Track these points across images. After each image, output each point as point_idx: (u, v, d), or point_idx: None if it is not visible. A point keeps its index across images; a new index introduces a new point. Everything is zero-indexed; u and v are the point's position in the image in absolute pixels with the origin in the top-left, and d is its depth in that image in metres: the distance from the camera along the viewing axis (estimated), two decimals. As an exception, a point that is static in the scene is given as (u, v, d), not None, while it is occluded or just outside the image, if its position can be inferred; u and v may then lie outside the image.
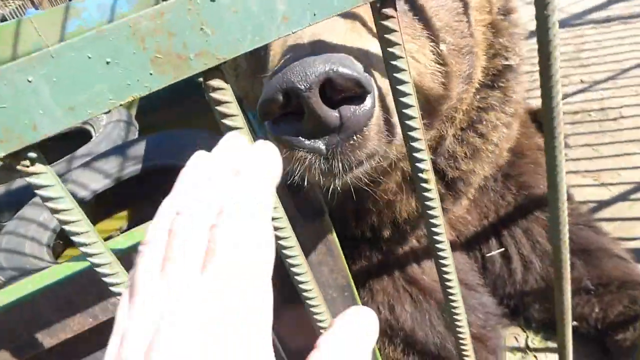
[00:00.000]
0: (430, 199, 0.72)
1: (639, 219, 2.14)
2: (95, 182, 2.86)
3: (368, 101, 0.73)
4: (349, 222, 1.44)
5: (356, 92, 0.71)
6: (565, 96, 3.38)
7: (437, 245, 0.78)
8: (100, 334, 0.95)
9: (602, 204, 2.34)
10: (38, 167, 0.54)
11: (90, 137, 3.45)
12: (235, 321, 0.38)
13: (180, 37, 0.51)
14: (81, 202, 2.92)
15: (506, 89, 1.38)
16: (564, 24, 4.25)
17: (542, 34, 0.69)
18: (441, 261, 0.80)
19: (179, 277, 0.40)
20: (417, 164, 0.68)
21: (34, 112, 0.50)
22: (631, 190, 2.40)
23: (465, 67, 1.20)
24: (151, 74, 0.52)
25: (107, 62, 0.50)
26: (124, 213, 3.15)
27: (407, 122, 0.65)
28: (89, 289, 0.88)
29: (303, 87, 0.66)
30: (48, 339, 0.88)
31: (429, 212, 0.75)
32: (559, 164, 0.79)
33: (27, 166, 0.53)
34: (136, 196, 3.01)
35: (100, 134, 3.44)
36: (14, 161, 0.53)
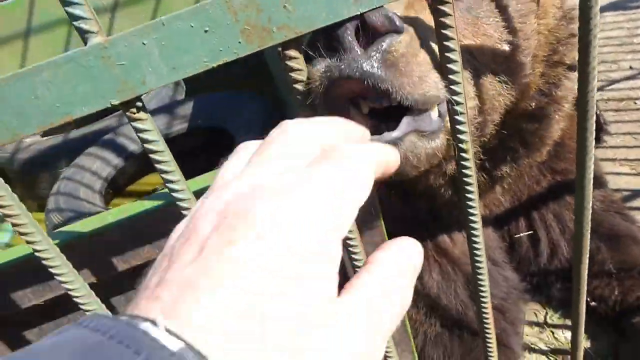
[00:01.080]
0: (467, 169, 0.81)
1: (671, 211, 2.16)
2: (145, 137, 3.01)
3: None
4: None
5: (389, 30, 0.76)
6: (612, 82, 3.34)
7: (470, 218, 0.87)
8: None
9: (637, 193, 2.36)
10: (142, 115, 0.66)
11: (141, 94, 3.61)
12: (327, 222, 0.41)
13: (267, 13, 0.61)
14: (131, 155, 3.10)
15: (562, 98, 1.37)
16: (617, 6, 4.13)
17: (584, 22, 0.75)
18: (473, 237, 0.89)
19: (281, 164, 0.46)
20: (458, 135, 0.76)
21: (145, 69, 0.61)
22: (668, 181, 2.40)
23: (526, 70, 1.21)
24: (240, 42, 0.62)
25: (206, 31, 0.61)
26: (170, 168, 3.30)
27: (451, 86, 0.73)
28: (159, 223, 1.01)
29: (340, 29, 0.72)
30: (122, 264, 1.02)
31: (466, 187, 0.83)
32: (589, 145, 0.86)
33: (134, 113, 0.65)
34: (182, 154, 3.15)
35: (150, 93, 3.59)
36: (124, 108, 0.64)
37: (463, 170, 0.80)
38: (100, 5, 3.74)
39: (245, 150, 0.54)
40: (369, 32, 0.74)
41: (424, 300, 1.60)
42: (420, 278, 1.60)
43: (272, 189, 0.42)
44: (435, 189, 1.40)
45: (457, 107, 0.73)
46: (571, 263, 1.73)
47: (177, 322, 0.36)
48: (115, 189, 3.17)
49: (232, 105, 2.97)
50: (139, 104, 0.65)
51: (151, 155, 0.69)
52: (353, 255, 0.83)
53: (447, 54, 0.68)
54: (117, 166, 3.03)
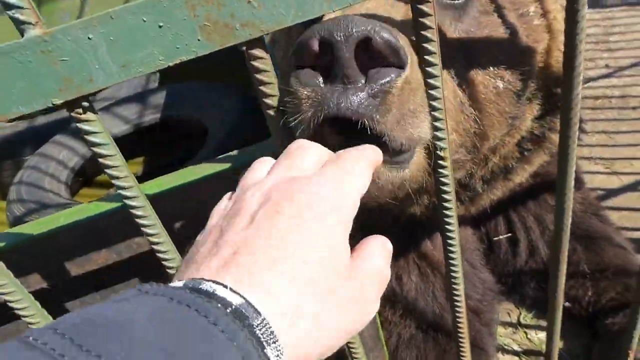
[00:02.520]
0: (444, 176, 0.77)
1: (645, 211, 2.17)
2: (115, 127, 2.92)
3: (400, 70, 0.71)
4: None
5: (390, 62, 0.69)
6: (588, 80, 3.35)
7: (446, 219, 0.83)
8: (125, 270, 1.03)
9: (612, 192, 2.37)
10: (89, 115, 0.59)
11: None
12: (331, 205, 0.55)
13: (229, 8, 0.55)
14: (100, 144, 2.99)
15: (555, 141, 1.31)
16: (594, 4, 4.15)
17: (571, 26, 0.71)
18: (448, 240, 0.86)
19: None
20: (437, 142, 0.72)
21: (92, 66, 0.55)
22: (642, 181, 2.42)
23: (516, 111, 1.16)
24: (199, 40, 0.56)
25: (160, 26, 0.54)
26: (141, 159, 3.22)
27: (434, 105, 0.69)
28: (116, 228, 0.95)
29: (340, 38, 0.63)
30: (75, 268, 0.95)
31: (443, 195, 0.79)
32: (571, 152, 0.83)
33: (80, 113, 0.58)
34: (153, 144, 3.07)
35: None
36: (69, 108, 0.58)
37: (440, 179, 0.76)
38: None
39: (263, 163, 0.65)
40: (369, 52, 0.67)
41: (401, 302, 1.57)
42: (399, 279, 1.57)
43: (302, 179, 0.56)
44: (413, 215, 1.36)
45: (435, 113, 0.68)
46: (547, 264, 1.73)
47: (236, 275, 0.48)
48: (83, 179, 3.06)
49: (207, 95, 2.88)
50: (85, 104, 0.58)
51: (101, 160, 0.63)
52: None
53: (430, 82, 0.64)
54: (85, 156, 2.92)
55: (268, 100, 0.64)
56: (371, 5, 0.84)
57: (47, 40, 0.53)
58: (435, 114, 0.67)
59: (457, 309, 1.01)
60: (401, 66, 0.70)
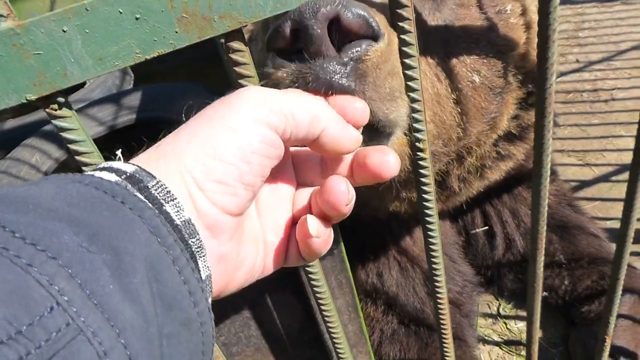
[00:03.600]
0: (423, 168, 0.78)
1: (618, 200, 2.22)
2: (89, 128, 2.86)
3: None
4: None
5: (363, 34, 0.67)
6: (560, 75, 3.42)
7: (426, 218, 0.84)
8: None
9: (585, 184, 2.43)
10: (65, 112, 0.58)
11: (84, 82, 3.43)
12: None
13: (207, 0, 0.54)
14: (74, 146, 2.93)
15: (531, 138, 1.31)
16: (564, 0, 4.24)
17: (543, 19, 0.72)
18: (429, 232, 0.86)
19: None
20: (415, 134, 0.72)
21: (66, 60, 0.54)
22: (614, 172, 2.48)
23: (492, 107, 1.17)
24: (177, 32, 0.55)
25: (137, 18, 0.54)
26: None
27: (410, 86, 0.69)
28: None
29: (309, 15, 0.60)
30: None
31: (423, 187, 0.80)
32: (546, 142, 0.84)
33: (55, 110, 0.57)
34: (128, 146, 3.02)
35: (95, 81, 3.41)
36: (43, 104, 0.56)
37: (419, 171, 0.76)
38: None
39: None
40: (342, 31, 0.65)
41: (382, 298, 1.58)
42: (379, 276, 1.58)
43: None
44: (394, 211, 1.37)
45: (415, 115, 0.69)
46: (525, 256, 1.76)
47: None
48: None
49: (184, 96, 2.85)
50: (61, 99, 0.57)
51: (77, 157, 0.61)
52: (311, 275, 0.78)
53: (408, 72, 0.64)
54: (59, 159, 2.85)
55: (247, 93, 0.63)
56: None
57: (19, 32, 0.51)
58: (416, 105, 0.67)
59: (439, 302, 1.02)
60: (374, 38, 0.68)
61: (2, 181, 2.62)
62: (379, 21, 0.68)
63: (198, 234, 0.48)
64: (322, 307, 0.95)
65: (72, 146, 0.60)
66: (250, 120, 0.50)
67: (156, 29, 0.54)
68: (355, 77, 0.67)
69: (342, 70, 0.65)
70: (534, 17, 1.25)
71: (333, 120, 0.55)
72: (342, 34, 0.65)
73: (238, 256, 0.56)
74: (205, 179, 0.49)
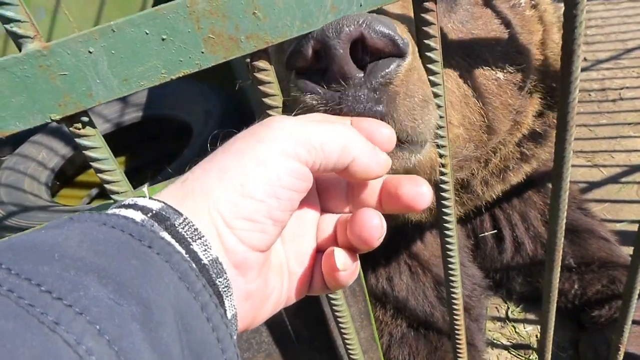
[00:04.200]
0: (444, 180, 0.77)
1: (627, 202, 2.21)
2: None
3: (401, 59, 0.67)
4: None
5: (389, 52, 0.65)
6: (568, 74, 3.40)
7: (445, 225, 0.83)
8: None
9: (593, 185, 2.41)
10: (88, 130, 0.58)
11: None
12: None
13: (234, 20, 0.54)
14: (80, 144, 2.93)
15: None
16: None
17: (568, 33, 0.72)
18: (446, 239, 0.86)
19: None
20: (438, 143, 0.72)
21: (92, 80, 0.53)
22: (622, 173, 2.47)
23: (517, 103, 1.15)
24: (203, 52, 0.55)
25: (163, 39, 0.53)
26: (122, 158, 3.17)
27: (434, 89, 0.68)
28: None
29: (332, 34, 0.58)
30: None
31: (443, 193, 0.79)
32: (567, 155, 0.84)
33: (79, 129, 0.57)
34: (135, 143, 3.02)
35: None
36: (68, 124, 0.56)
37: (441, 186, 0.76)
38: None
39: None
40: (367, 50, 0.63)
41: (392, 302, 1.58)
42: (389, 280, 1.57)
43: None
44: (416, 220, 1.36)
45: (438, 111, 0.68)
46: (533, 259, 1.76)
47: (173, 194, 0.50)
48: (62, 180, 3.00)
49: (191, 95, 2.84)
50: (85, 118, 0.56)
51: (100, 175, 0.61)
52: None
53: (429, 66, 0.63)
54: (66, 156, 2.86)
55: (271, 112, 0.63)
56: None
57: (45, 54, 0.51)
58: (439, 112, 0.66)
59: (454, 308, 1.02)
60: (401, 55, 0.66)
61: (10, 177, 2.63)
62: (402, 32, 0.66)
63: (225, 273, 0.47)
64: (337, 315, 0.95)
65: (94, 164, 0.60)
66: (279, 154, 0.49)
67: (182, 50, 0.54)
68: (385, 101, 0.66)
69: (373, 97, 0.64)
70: (547, 7, 1.24)
71: (363, 147, 0.54)
72: (367, 53, 0.64)
73: (265, 290, 0.55)
74: (234, 217, 0.48)
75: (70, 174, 2.99)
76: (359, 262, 0.59)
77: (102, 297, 0.37)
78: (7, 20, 0.49)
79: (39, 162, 2.78)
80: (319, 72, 0.67)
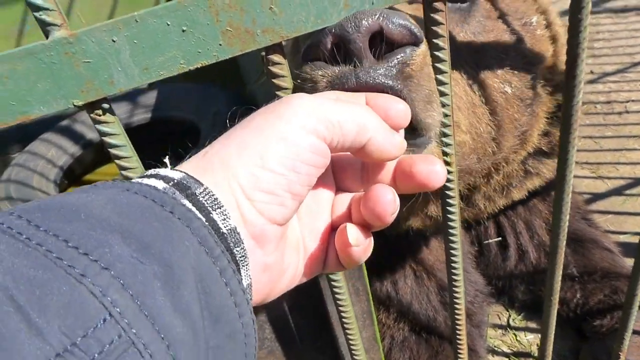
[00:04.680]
0: (449, 187, 0.79)
1: (631, 214, 2.22)
2: (105, 125, 2.88)
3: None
4: None
5: (405, 42, 0.67)
6: (574, 87, 3.41)
7: (450, 231, 0.85)
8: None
9: (598, 197, 2.42)
10: (108, 117, 0.60)
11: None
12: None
13: (251, 14, 0.56)
14: (89, 143, 2.96)
15: None
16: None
17: (573, 36, 0.73)
18: (450, 244, 0.88)
19: None
20: (444, 148, 0.73)
21: (114, 69, 0.55)
22: (627, 185, 2.47)
23: (524, 120, 1.17)
24: (220, 44, 0.57)
25: (183, 30, 0.55)
26: (130, 158, 3.19)
27: (442, 91, 0.70)
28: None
29: (352, 29, 0.61)
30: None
31: (447, 200, 0.81)
32: (570, 158, 0.85)
33: (99, 115, 0.59)
34: (143, 144, 3.03)
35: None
36: (89, 109, 0.58)
37: (445, 192, 0.78)
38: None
39: None
40: (384, 41, 0.66)
41: (395, 305, 1.59)
42: (394, 283, 1.59)
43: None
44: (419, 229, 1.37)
45: (444, 130, 0.70)
46: (537, 267, 1.77)
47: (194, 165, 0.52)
48: (70, 178, 3.03)
49: (199, 97, 2.87)
50: (106, 105, 0.59)
51: (117, 161, 0.63)
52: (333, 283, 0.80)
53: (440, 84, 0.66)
54: (75, 154, 2.89)
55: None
56: None
57: (71, 42, 0.53)
58: (445, 120, 0.68)
59: (456, 313, 1.03)
60: (416, 43, 0.68)
61: (20, 174, 2.66)
62: (417, 25, 0.68)
63: (243, 243, 0.49)
64: (342, 314, 0.97)
65: (112, 150, 0.62)
66: (299, 129, 0.51)
67: (201, 41, 0.56)
68: (401, 79, 0.67)
69: (388, 72, 0.65)
70: (560, 29, 1.26)
71: (379, 128, 0.56)
72: (384, 44, 0.66)
73: (282, 264, 0.57)
74: (254, 189, 0.50)
75: (79, 172, 3.03)
76: (372, 238, 0.60)
77: (125, 255, 0.38)
78: (37, 8, 0.51)
79: (48, 160, 2.81)
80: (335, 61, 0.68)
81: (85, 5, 3.72)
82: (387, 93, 0.64)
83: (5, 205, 2.46)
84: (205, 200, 0.48)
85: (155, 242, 0.41)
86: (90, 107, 0.58)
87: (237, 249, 0.48)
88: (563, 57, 1.24)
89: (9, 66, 0.54)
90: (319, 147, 0.52)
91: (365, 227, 0.59)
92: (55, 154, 2.86)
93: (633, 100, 3.18)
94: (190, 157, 0.53)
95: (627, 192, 2.43)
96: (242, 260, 0.49)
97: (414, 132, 0.75)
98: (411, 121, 0.67)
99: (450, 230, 0.87)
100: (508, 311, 1.94)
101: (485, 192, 1.31)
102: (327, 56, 0.66)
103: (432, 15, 0.63)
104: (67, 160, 2.89)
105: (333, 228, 0.62)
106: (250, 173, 0.50)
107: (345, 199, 0.62)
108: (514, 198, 1.39)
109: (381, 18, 0.62)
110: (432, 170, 0.58)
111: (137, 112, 3.02)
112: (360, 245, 0.57)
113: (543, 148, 1.31)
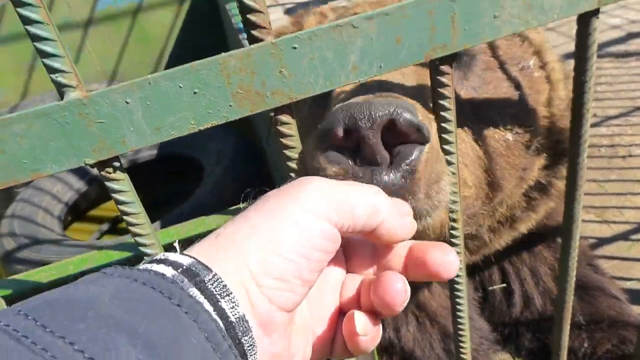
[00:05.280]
0: (455, 229, 0.79)
1: (638, 260, 2.19)
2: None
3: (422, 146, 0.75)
4: None
5: (414, 139, 0.72)
6: (577, 129, 3.44)
7: (455, 279, 0.84)
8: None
9: (603, 241, 2.40)
10: (119, 175, 0.61)
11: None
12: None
13: (261, 77, 0.57)
14: (94, 179, 2.99)
15: (561, 189, 1.33)
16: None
17: (578, 90, 0.75)
18: (456, 292, 0.87)
19: None
20: (450, 198, 0.74)
21: (126, 129, 0.57)
22: (632, 230, 2.46)
23: (525, 161, 1.20)
24: (231, 105, 0.58)
25: (195, 92, 0.57)
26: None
27: (447, 157, 0.72)
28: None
29: (365, 124, 0.67)
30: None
31: (453, 241, 0.81)
32: (576, 213, 0.85)
33: (110, 173, 0.60)
34: (149, 180, 3.07)
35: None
36: (100, 167, 0.59)
37: (452, 240, 0.78)
38: (72, 22, 3.66)
39: None
40: (394, 134, 0.71)
41: (398, 353, 1.57)
42: (396, 330, 1.56)
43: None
44: None
45: (452, 177, 0.71)
46: (542, 315, 1.74)
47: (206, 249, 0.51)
48: (75, 213, 3.04)
49: (203, 134, 2.91)
50: (116, 163, 0.60)
51: (125, 218, 0.64)
52: None
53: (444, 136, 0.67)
54: (80, 190, 2.92)
55: (291, 164, 0.66)
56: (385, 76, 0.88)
57: (85, 103, 0.55)
58: (452, 178, 0.69)
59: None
60: (423, 142, 0.73)
61: (24, 209, 2.67)
62: (422, 117, 0.73)
63: (251, 331, 0.48)
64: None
65: (121, 207, 0.63)
66: (310, 215, 0.51)
67: (212, 103, 0.57)
68: (409, 186, 0.73)
69: (398, 179, 0.71)
70: (555, 65, 1.29)
71: (390, 212, 0.56)
72: (391, 133, 0.71)
73: (289, 351, 0.55)
74: (263, 275, 0.49)
75: (83, 208, 3.05)
76: (380, 326, 0.58)
77: (132, 357, 0.38)
78: (54, 70, 0.53)
79: (53, 195, 2.83)
80: (347, 148, 0.74)
81: (97, 43, 3.81)
82: (399, 192, 0.71)
83: (8, 241, 2.46)
84: (214, 288, 0.47)
85: (162, 341, 0.40)
86: (102, 165, 0.59)
87: (246, 337, 0.48)
88: (559, 93, 1.27)
89: (24, 125, 0.55)
90: (330, 232, 0.52)
91: (373, 314, 0.57)
92: (60, 189, 2.89)
93: (637, 144, 3.19)
94: (202, 239, 0.53)
95: (633, 237, 2.41)
96: (250, 350, 0.48)
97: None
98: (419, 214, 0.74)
99: (456, 279, 0.86)
100: (515, 359, 1.90)
101: (490, 225, 1.31)
102: (339, 142, 0.72)
103: (438, 78, 0.65)
104: (73, 195, 2.92)
105: (341, 311, 0.61)
106: (261, 258, 0.49)
107: (355, 281, 0.61)
108: (520, 230, 1.39)
109: (394, 114, 0.67)
110: (445, 260, 0.57)
111: (143, 149, 3.06)
112: (368, 334, 0.56)
113: (542, 181, 1.32)
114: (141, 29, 3.65)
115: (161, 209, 2.87)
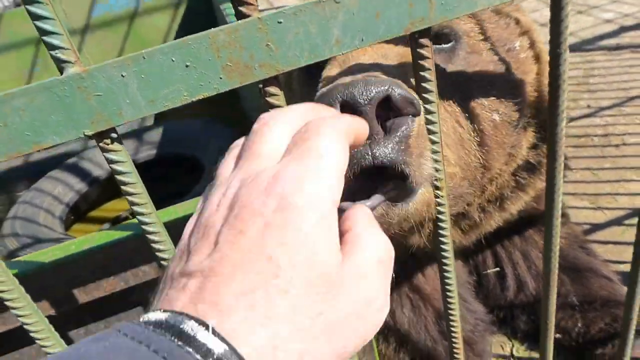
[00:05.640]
0: (441, 210, 0.82)
1: (630, 244, 2.22)
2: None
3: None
4: None
5: (406, 112, 0.78)
6: (571, 119, 3.48)
7: (444, 261, 0.88)
8: (131, 296, 1.06)
9: (597, 227, 2.44)
10: (116, 146, 0.64)
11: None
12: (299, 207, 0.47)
13: (249, 50, 0.61)
14: (95, 180, 3.02)
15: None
16: (575, 48, 4.34)
17: (554, 68, 0.78)
18: (445, 274, 0.90)
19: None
20: (435, 182, 0.78)
21: (122, 101, 0.60)
22: (626, 215, 2.50)
23: (512, 140, 1.24)
24: (221, 78, 0.62)
25: (187, 66, 0.60)
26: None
27: (430, 136, 0.75)
28: (124, 256, 0.98)
29: (363, 101, 0.72)
30: (83, 295, 0.98)
31: (440, 224, 0.84)
32: (557, 182, 0.89)
33: (108, 144, 0.63)
34: (148, 180, 3.08)
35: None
36: (98, 139, 0.63)
37: (438, 216, 0.81)
38: (69, 29, 3.70)
39: (236, 148, 0.59)
40: (389, 109, 0.76)
41: (394, 335, 1.60)
42: (391, 313, 1.60)
43: (265, 179, 0.49)
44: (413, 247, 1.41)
45: (434, 147, 0.74)
46: (537, 298, 1.78)
47: (205, 307, 0.43)
48: (76, 214, 3.07)
49: (203, 133, 2.95)
50: (114, 135, 0.63)
51: (123, 187, 0.67)
52: None
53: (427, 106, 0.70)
54: (80, 191, 2.95)
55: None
56: (367, 56, 0.92)
57: (84, 77, 0.58)
58: (434, 147, 0.73)
59: (454, 341, 1.05)
60: (415, 114, 0.79)
61: (26, 211, 2.70)
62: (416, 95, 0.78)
63: None
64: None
65: (119, 177, 0.66)
66: None
67: (203, 75, 0.61)
68: (406, 153, 0.80)
69: (393, 149, 0.79)
70: (543, 47, 1.32)
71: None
72: (384, 108, 0.76)
73: None
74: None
75: (84, 209, 3.07)
76: None
77: None
78: (53, 47, 0.57)
79: (54, 197, 2.86)
80: None
81: (94, 48, 3.84)
82: (394, 167, 0.78)
83: (11, 241, 2.50)
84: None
85: None
86: (100, 136, 0.62)
87: None
88: (547, 73, 1.31)
89: (25, 100, 0.58)
90: None
91: None
92: (61, 191, 2.92)
93: (630, 133, 3.23)
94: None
95: (626, 222, 2.45)
96: None
97: (405, 184, 0.83)
98: (402, 173, 0.79)
99: (444, 261, 0.89)
100: (511, 341, 1.93)
101: (479, 204, 1.34)
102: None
103: (419, 50, 0.68)
104: (73, 197, 2.95)
105: None
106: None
107: None
108: (511, 210, 1.42)
109: (390, 90, 0.73)
110: None
111: (143, 149, 3.09)
112: None
113: (531, 160, 1.35)
114: (137, 34, 3.69)
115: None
